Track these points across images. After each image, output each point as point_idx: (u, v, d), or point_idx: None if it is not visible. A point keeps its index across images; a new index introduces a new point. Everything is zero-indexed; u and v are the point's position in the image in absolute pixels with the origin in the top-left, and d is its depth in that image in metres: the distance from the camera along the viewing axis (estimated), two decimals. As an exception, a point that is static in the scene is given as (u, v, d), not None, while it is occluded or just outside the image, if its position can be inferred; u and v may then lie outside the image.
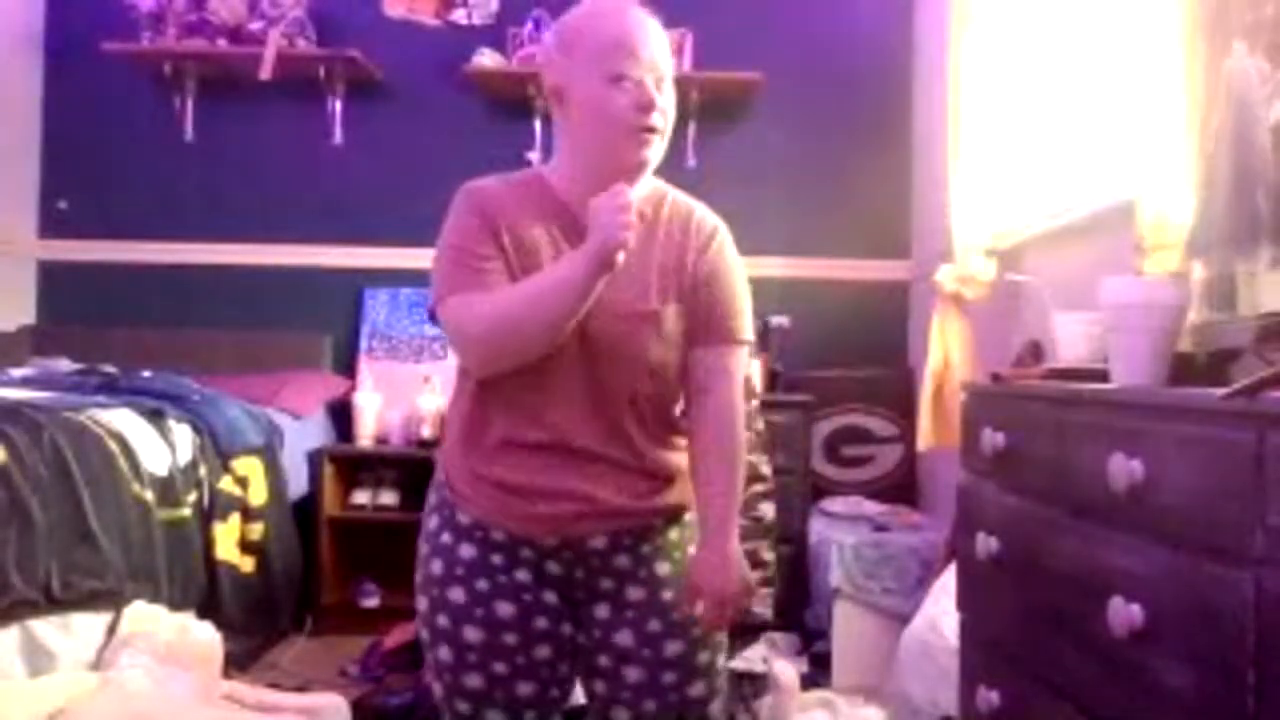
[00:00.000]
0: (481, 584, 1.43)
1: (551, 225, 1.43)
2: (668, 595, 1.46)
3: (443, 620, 1.43)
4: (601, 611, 1.47)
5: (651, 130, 1.38)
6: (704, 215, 1.50)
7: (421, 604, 1.48)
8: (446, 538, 1.47)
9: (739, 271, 1.50)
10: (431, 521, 1.51)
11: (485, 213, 1.41)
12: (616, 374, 1.41)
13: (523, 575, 1.44)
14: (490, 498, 1.43)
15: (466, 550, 1.45)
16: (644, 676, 1.45)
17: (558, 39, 1.44)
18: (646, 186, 1.46)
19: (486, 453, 1.44)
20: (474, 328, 1.38)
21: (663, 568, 1.48)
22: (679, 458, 1.49)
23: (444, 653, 1.44)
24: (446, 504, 1.49)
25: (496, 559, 1.44)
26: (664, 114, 1.40)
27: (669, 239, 1.45)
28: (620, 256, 1.31)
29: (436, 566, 1.46)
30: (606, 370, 1.41)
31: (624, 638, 1.45)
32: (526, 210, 1.43)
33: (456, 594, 1.43)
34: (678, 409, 1.50)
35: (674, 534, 1.51)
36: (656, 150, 1.41)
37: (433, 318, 1.46)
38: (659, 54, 1.39)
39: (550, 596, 1.45)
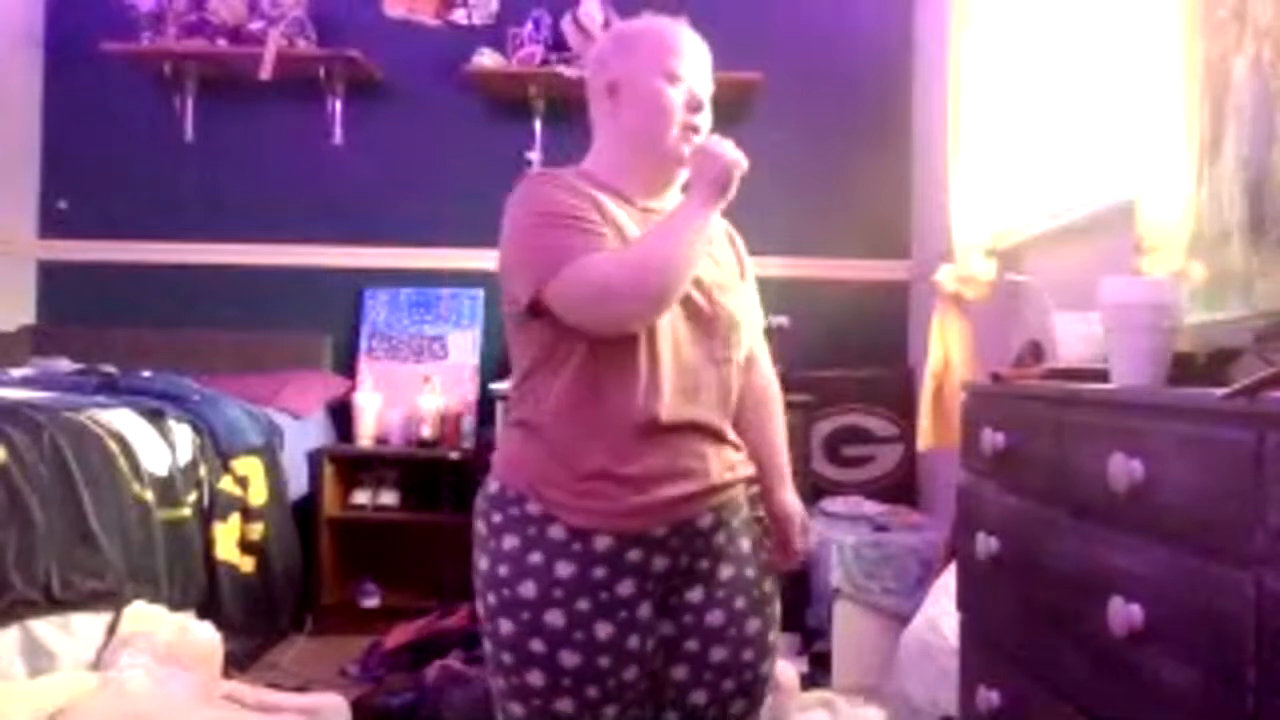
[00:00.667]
0: (582, 604, 1.38)
1: (622, 206, 1.47)
2: (750, 572, 1.52)
3: (537, 645, 1.38)
4: (695, 595, 1.48)
5: (695, 130, 1.48)
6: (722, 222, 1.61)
7: (504, 627, 1.41)
8: (536, 557, 1.40)
9: None
10: (507, 541, 1.42)
11: (576, 188, 1.44)
12: (718, 341, 1.48)
13: (624, 588, 1.40)
14: (600, 496, 1.40)
15: (564, 569, 1.39)
16: (728, 656, 1.48)
17: (617, 41, 1.55)
18: (676, 195, 1.53)
19: (594, 442, 1.40)
20: (616, 278, 1.35)
21: (745, 544, 1.53)
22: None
23: (535, 677, 1.39)
24: (530, 519, 1.42)
25: (599, 573, 1.40)
26: (707, 119, 1.51)
27: (718, 238, 1.57)
28: (735, 183, 1.41)
29: (528, 589, 1.39)
30: (710, 338, 1.47)
31: (715, 617, 1.48)
32: (605, 195, 1.47)
33: (555, 617, 1.38)
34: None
35: (747, 509, 1.56)
36: None
37: (534, 309, 1.39)
38: (705, 68, 1.53)
39: (644, 610, 1.43)
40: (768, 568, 1.56)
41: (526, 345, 1.46)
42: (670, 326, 1.43)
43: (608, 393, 1.40)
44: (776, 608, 1.56)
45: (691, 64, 1.49)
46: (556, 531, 1.40)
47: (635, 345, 1.40)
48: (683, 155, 1.48)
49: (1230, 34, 1.61)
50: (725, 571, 1.49)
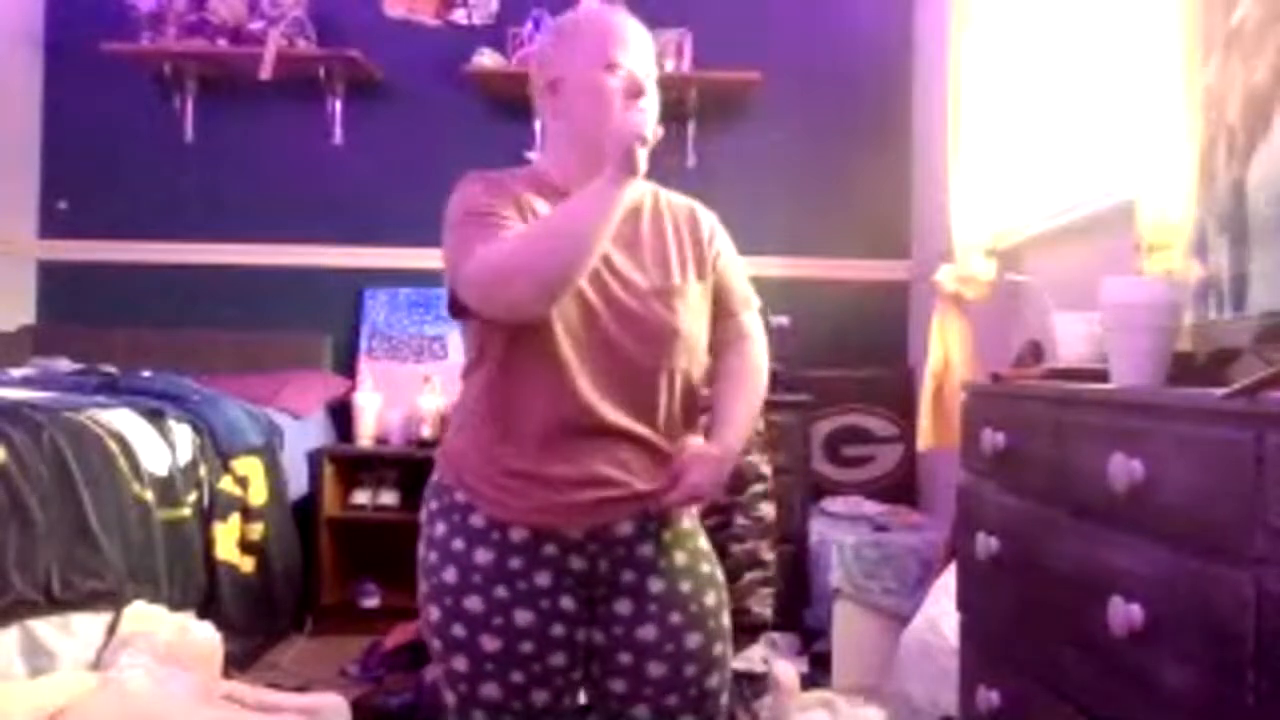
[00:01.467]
0: (500, 591, 1.41)
1: (549, 200, 1.48)
2: (686, 586, 1.49)
3: (459, 630, 1.41)
4: (623, 607, 1.47)
5: (639, 113, 1.44)
6: (699, 206, 1.61)
7: (433, 614, 1.45)
8: (458, 543, 1.44)
9: (735, 251, 1.63)
10: (438, 528, 1.48)
11: (501, 186, 1.46)
12: (651, 348, 1.45)
13: (542, 579, 1.42)
14: (516, 492, 1.42)
15: (482, 555, 1.42)
16: (667, 671, 1.46)
17: (555, 34, 1.53)
18: (639, 187, 1.48)
19: (512, 440, 1.42)
20: (514, 258, 1.34)
21: (680, 557, 1.51)
22: (698, 440, 1.51)
23: (460, 663, 1.42)
24: (456, 507, 1.46)
25: (515, 563, 1.42)
26: (652, 104, 1.47)
27: (678, 225, 1.55)
28: (642, 156, 1.34)
29: (450, 574, 1.43)
30: (641, 345, 1.44)
31: (647, 632, 1.46)
32: (532, 193, 1.48)
33: (473, 602, 1.41)
34: (702, 389, 1.54)
35: (688, 523, 1.54)
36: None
37: (453, 308, 1.43)
38: (646, 53, 1.49)
39: (567, 602, 1.44)
40: (709, 580, 1.52)
41: (467, 343, 1.53)
42: (601, 329, 1.42)
43: (528, 393, 1.42)
44: (723, 620, 1.52)
45: (631, 51, 1.47)
46: (477, 520, 1.44)
47: (555, 346, 1.40)
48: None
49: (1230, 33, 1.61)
50: (655, 585, 1.48)
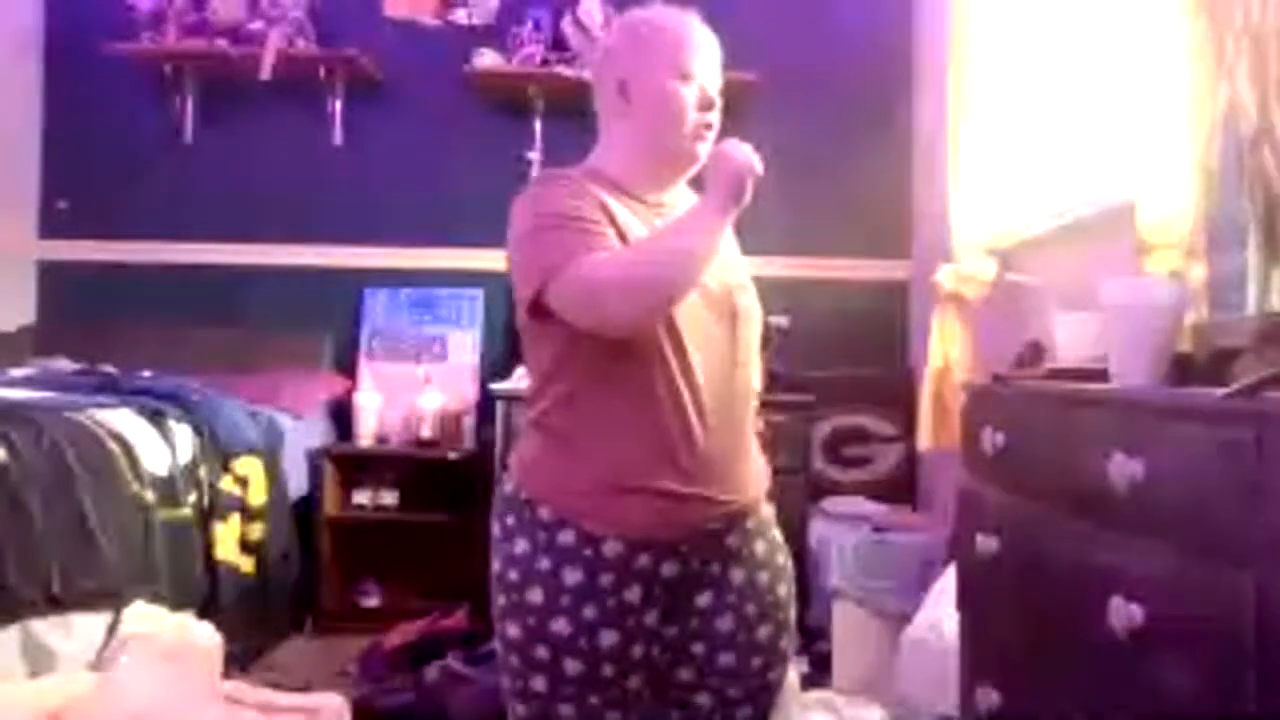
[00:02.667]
0: (588, 611, 1.38)
1: (630, 205, 1.46)
2: (764, 578, 1.50)
3: (542, 651, 1.39)
4: (704, 599, 1.46)
5: (708, 128, 1.47)
6: None
7: (512, 630, 1.41)
8: (545, 563, 1.39)
9: None
10: (518, 545, 1.42)
11: (583, 189, 1.42)
12: (743, 346, 1.47)
13: (631, 594, 1.40)
14: (620, 506, 1.38)
15: (570, 575, 1.38)
16: (735, 662, 1.47)
17: (628, 34, 1.51)
18: (684, 189, 1.53)
19: (612, 453, 1.39)
20: (616, 281, 1.32)
21: (760, 547, 1.51)
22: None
23: (539, 683, 1.40)
24: (540, 524, 1.41)
25: (605, 579, 1.39)
26: (718, 116, 1.48)
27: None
28: (750, 188, 1.37)
29: (535, 595, 1.39)
30: (736, 344, 1.46)
31: (724, 623, 1.47)
32: (607, 193, 1.44)
33: (560, 625, 1.38)
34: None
35: (767, 510, 1.55)
36: (706, 149, 1.47)
37: (534, 309, 1.37)
38: (716, 63, 1.50)
39: (652, 618, 1.42)
40: (784, 571, 1.54)
41: (542, 347, 1.44)
42: (703, 332, 1.41)
43: (631, 404, 1.38)
44: (791, 613, 1.54)
45: (704, 60, 1.47)
46: (566, 537, 1.39)
47: (662, 353, 1.37)
48: (696, 154, 1.46)
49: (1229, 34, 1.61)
50: (736, 576, 1.48)
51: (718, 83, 1.49)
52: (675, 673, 1.47)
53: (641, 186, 1.48)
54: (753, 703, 1.50)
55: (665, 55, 1.45)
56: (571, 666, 1.38)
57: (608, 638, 1.39)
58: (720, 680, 1.47)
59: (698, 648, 1.47)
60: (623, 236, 1.40)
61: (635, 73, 1.46)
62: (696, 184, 1.49)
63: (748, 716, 1.50)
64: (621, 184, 1.47)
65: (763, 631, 1.49)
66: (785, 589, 1.53)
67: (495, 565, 1.44)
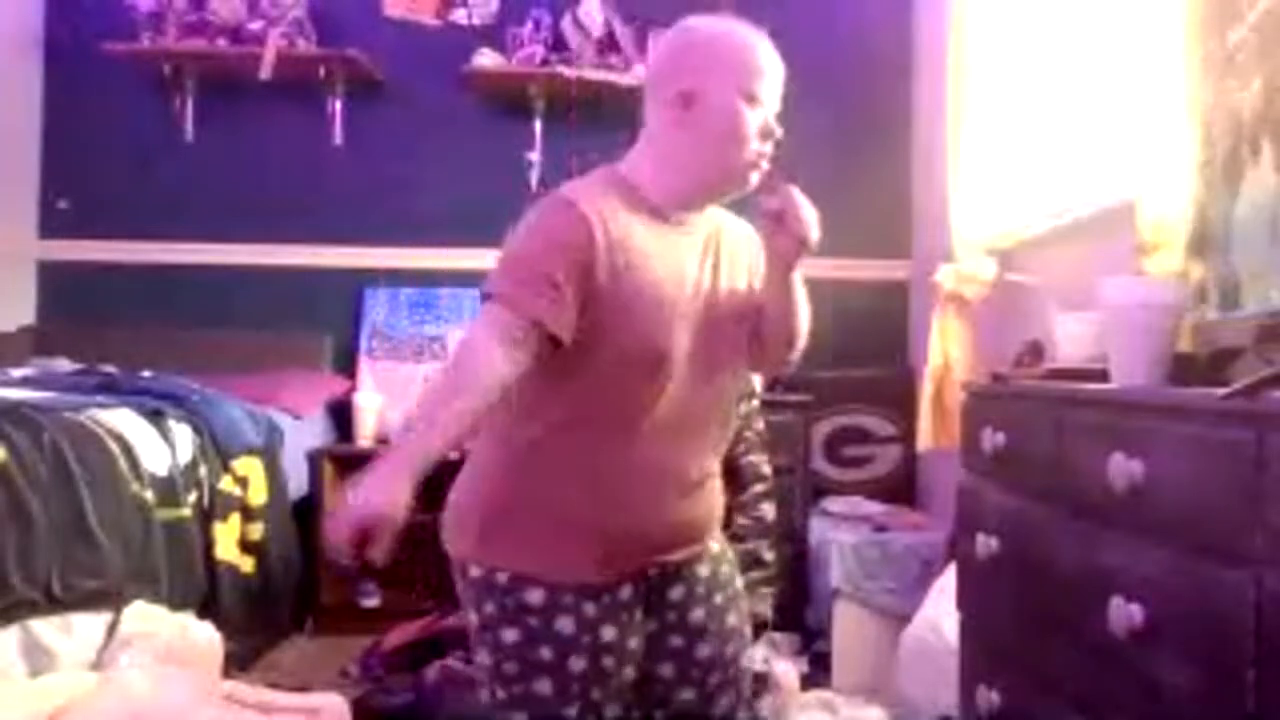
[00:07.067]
0: (589, 607, 1.40)
1: (651, 225, 1.41)
2: (725, 569, 1.56)
3: (546, 652, 1.39)
4: (676, 593, 1.50)
5: (764, 157, 1.44)
6: (753, 231, 1.54)
7: (509, 635, 1.39)
8: (534, 620, 1.40)
9: None
10: (508, 634, 1.40)
11: (579, 239, 1.33)
12: (719, 387, 1.49)
13: (625, 592, 1.44)
14: (586, 559, 1.39)
15: (564, 623, 1.40)
16: (712, 651, 1.51)
17: (694, 46, 1.44)
18: (712, 219, 1.50)
19: (580, 491, 1.39)
20: (461, 350, 1.33)
21: (712, 545, 1.57)
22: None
23: (544, 685, 1.39)
24: (526, 608, 1.39)
25: (598, 580, 1.44)
26: (771, 150, 1.45)
27: (746, 247, 1.54)
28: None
29: (535, 596, 1.40)
30: (711, 385, 1.46)
31: (698, 615, 1.51)
32: (631, 215, 1.40)
33: (564, 623, 1.39)
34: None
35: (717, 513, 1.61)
36: (756, 179, 1.45)
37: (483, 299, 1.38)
38: (779, 88, 1.46)
39: (639, 614, 1.46)
40: (734, 564, 1.62)
41: (525, 378, 1.36)
42: (678, 376, 1.40)
43: (598, 444, 1.40)
44: (744, 603, 1.61)
45: (771, 87, 1.43)
46: (534, 596, 1.41)
47: (631, 394, 1.38)
48: (747, 181, 1.43)
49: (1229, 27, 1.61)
50: (702, 569, 1.53)
51: (778, 109, 1.45)
52: (657, 669, 1.50)
53: (672, 202, 1.43)
54: (734, 687, 1.54)
55: (735, 73, 1.40)
56: (577, 664, 1.40)
57: (609, 632, 1.41)
58: (700, 671, 1.50)
59: (676, 640, 1.50)
60: (637, 262, 1.36)
61: (703, 85, 1.39)
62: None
63: (730, 704, 1.54)
64: (650, 198, 1.42)
65: (730, 620, 1.55)
66: (739, 580, 1.61)
67: (483, 657, 1.43)
